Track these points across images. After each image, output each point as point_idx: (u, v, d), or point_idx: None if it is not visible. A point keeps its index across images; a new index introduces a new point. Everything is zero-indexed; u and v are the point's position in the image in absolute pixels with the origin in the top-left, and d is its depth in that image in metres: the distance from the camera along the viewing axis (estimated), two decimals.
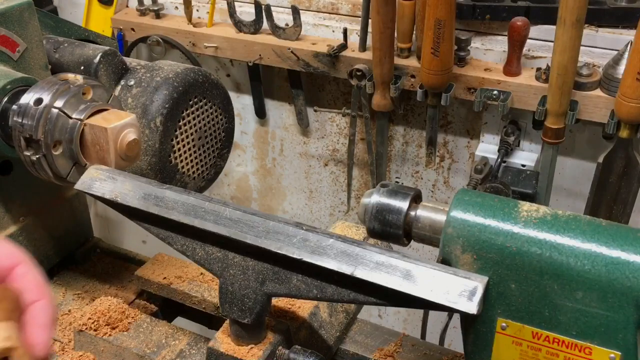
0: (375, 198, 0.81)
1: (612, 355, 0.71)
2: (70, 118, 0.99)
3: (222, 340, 0.93)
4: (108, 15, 2.10)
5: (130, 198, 0.89)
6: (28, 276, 0.61)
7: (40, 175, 1.03)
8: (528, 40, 1.60)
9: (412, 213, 0.80)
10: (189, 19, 1.99)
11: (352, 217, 2.13)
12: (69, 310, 1.18)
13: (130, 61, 1.23)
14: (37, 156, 0.99)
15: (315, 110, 1.97)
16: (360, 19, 1.76)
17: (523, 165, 1.74)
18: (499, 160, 1.71)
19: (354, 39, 1.80)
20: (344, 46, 1.79)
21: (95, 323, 1.05)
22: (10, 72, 1.06)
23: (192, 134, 1.19)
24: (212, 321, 1.22)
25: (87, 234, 1.36)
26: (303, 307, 1.05)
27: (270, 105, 2.15)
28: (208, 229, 0.84)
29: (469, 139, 1.89)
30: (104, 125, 0.98)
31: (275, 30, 1.87)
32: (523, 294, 0.73)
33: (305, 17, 1.88)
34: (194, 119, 1.19)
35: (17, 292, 0.59)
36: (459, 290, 0.71)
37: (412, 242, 0.82)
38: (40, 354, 0.57)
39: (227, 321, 0.93)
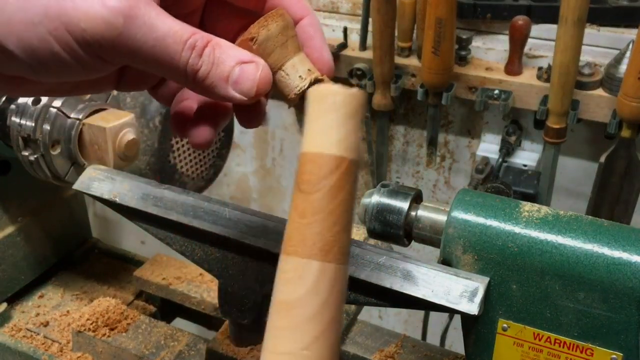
0: (376, 198, 0.80)
1: (614, 356, 0.70)
2: (69, 118, 0.98)
3: (222, 341, 0.92)
4: None
5: (129, 198, 0.88)
6: None
7: (38, 176, 1.03)
8: (529, 39, 1.59)
9: (413, 213, 0.79)
10: None
11: None
12: (67, 311, 1.18)
13: None
14: (35, 156, 0.99)
15: None
16: (360, 17, 1.76)
17: (524, 165, 1.73)
18: (500, 160, 1.71)
19: (354, 38, 1.80)
20: (344, 45, 1.79)
21: (94, 324, 1.05)
22: None
23: None
24: (211, 322, 1.21)
25: (85, 234, 1.35)
26: None
27: (270, 104, 2.12)
28: (207, 229, 0.83)
29: (470, 138, 1.89)
30: (102, 125, 0.98)
31: None
32: (524, 295, 0.72)
33: None
34: None
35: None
36: (460, 291, 0.71)
37: (413, 243, 0.82)
38: (331, 73, 0.56)
39: (227, 322, 0.92)
